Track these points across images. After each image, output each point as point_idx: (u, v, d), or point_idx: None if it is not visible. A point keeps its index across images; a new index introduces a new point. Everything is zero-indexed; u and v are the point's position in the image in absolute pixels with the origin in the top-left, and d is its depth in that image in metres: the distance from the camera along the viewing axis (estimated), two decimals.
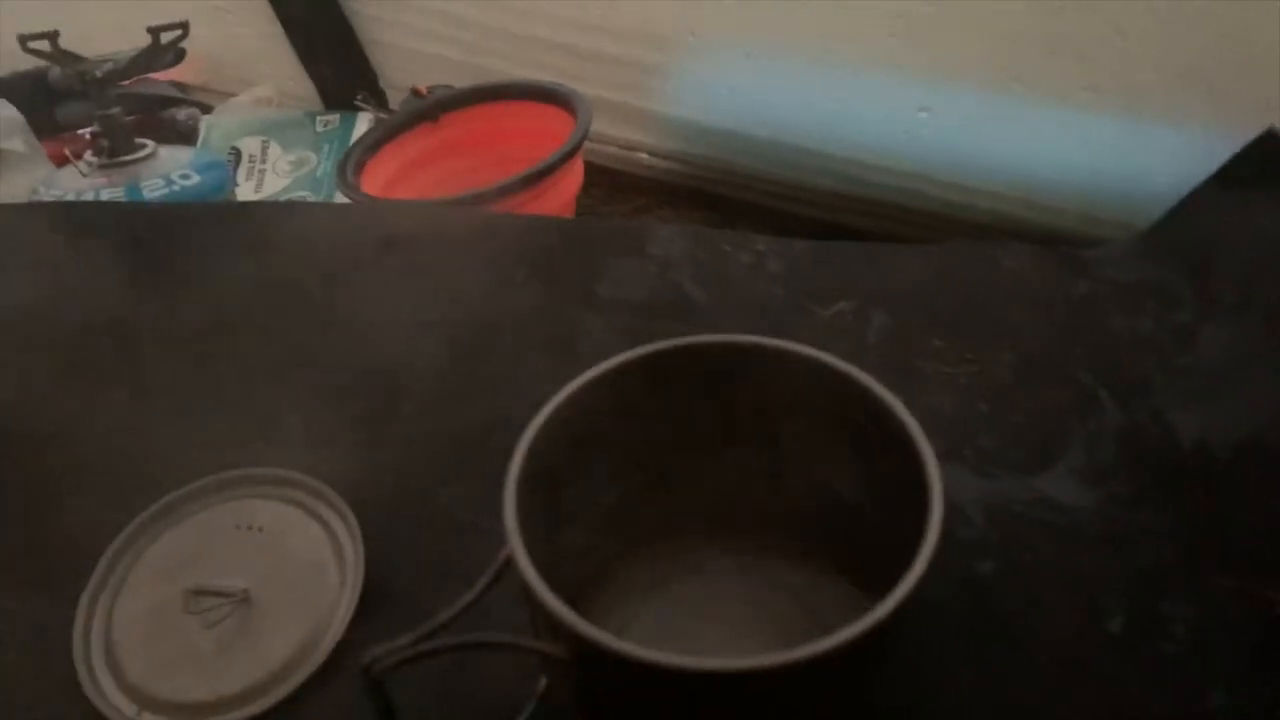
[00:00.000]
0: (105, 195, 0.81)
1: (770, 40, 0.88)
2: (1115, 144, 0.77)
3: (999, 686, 0.46)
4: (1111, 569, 0.50)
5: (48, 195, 0.82)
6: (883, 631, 0.31)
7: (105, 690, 0.53)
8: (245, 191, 1.09)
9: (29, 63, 1.25)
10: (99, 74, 0.83)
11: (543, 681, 0.43)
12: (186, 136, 1.25)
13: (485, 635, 0.34)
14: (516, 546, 0.34)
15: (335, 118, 1.25)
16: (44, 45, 0.86)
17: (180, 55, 1.16)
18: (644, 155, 1.06)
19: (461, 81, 1.10)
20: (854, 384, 0.40)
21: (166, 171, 0.85)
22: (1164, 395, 0.59)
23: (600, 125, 0.97)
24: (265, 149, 1.18)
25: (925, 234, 0.88)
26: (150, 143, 0.87)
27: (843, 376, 0.40)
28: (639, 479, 0.46)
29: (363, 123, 1.24)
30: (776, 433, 0.45)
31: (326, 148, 1.18)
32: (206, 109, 1.34)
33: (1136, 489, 0.54)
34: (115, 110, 0.85)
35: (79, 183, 0.84)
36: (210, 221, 0.75)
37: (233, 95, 1.38)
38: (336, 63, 1.28)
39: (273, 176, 1.13)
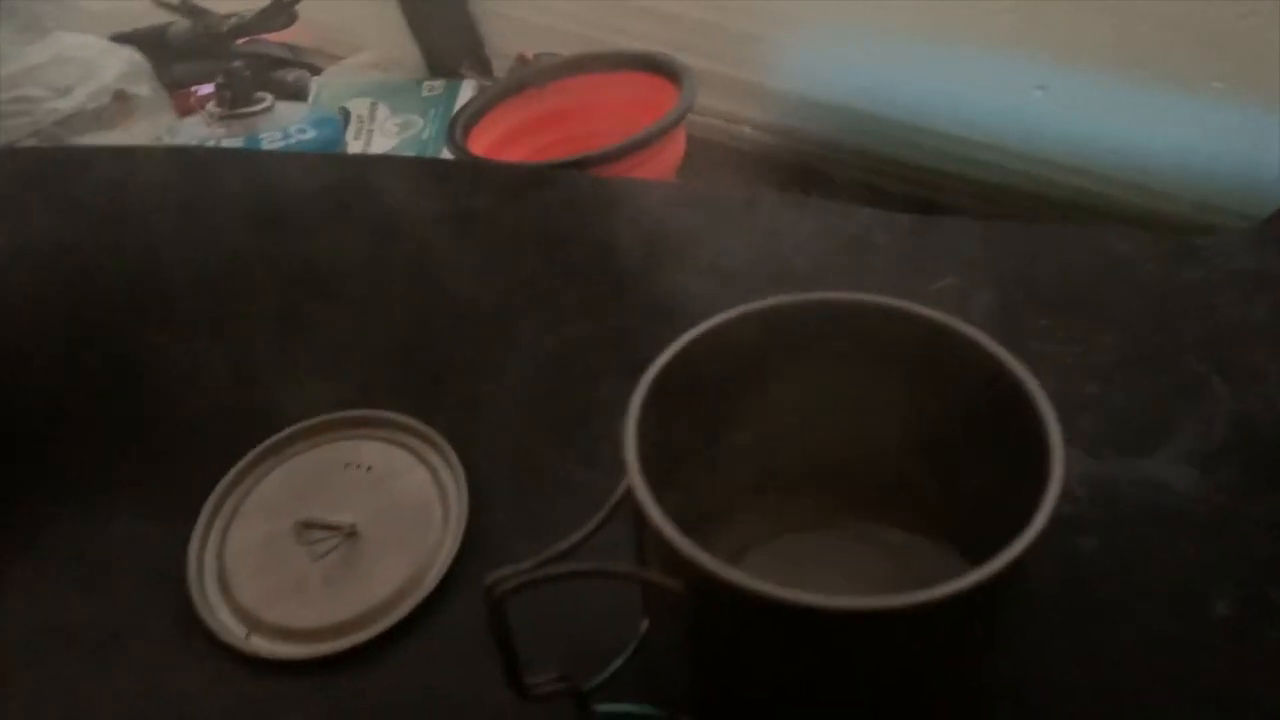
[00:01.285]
0: (226, 144, 0.85)
1: (883, 13, 0.87)
2: (1236, 130, 0.75)
3: (1098, 666, 0.46)
4: (1219, 554, 0.50)
5: (173, 142, 0.86)
6: (1001, 583, 0.31)
7: (218, 613, 0.56)
8: (354, 149, 1.12)
9: (146, 21, 1.30)
10: (225, 28, 0.86)
11: (645, 624, 0.44)
12: (295, 96, 1.28)
13: (605, 564, 0.35)
14: (635, 479, 0.35)
15: (440, 84, 1.27)
16: None
17: (293, 18, 1.20)
18: (746, 128, 1.06)
19: (568, 50, 1.11)
20: (973, 345, 0.41)
21: (284, 125, 0.87)
22: None
23: (703, 97, 0.97)
24: (373, 110, 1.20)
25: (1029, 215, 0.87)
26: (269, 96, 0.90)
27: (963, 338, 0.40)
28: (746, 431, 0.47)
29: (467, 90, 1.26)
30: (887, 392, 0.45)
31: (431, 112, 1.20)
32: (315, 71, 1.37)
33: (1248, 476, 0.53)
34: (238, 64, 0.87)
35: (202, 131, 0.87)
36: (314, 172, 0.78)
37: (340, 59, 1.42)
38: (444, 30, 1.30)
39: (380, 137, 1.15)
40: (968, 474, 0.44)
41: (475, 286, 0.70)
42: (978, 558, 0.32)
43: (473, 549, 0.57)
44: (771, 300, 0.43)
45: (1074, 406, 0.58)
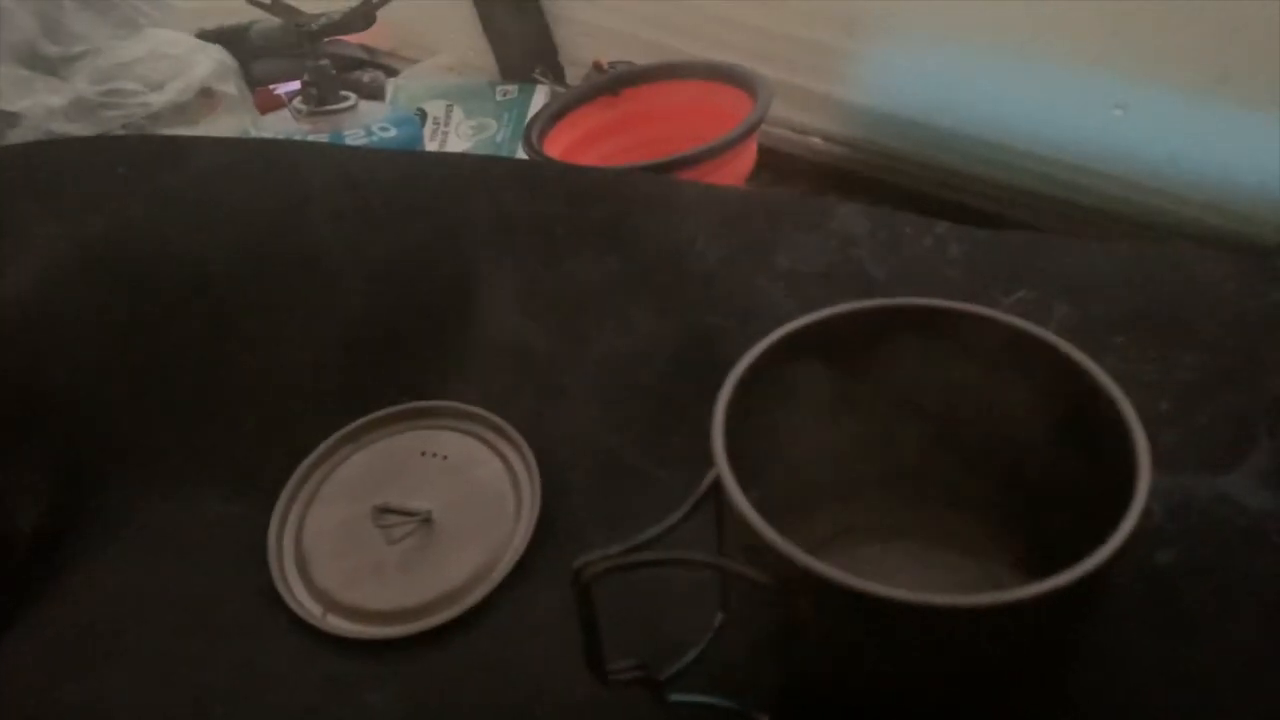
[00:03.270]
0: (311, 140, 0.87)
1: (961, 29, 0.87)
2: None
3: (1181, 679, 0.46)
4: None
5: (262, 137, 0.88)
6: (1087, 588, 0.32)
7: (296, 592, 0.58)
8: (430, 150, 1.15)
9: (229, 19, 1.33)
10: (314, 27, 0.89)
11: (720, 617, 0.45)
12: (371, 97, 1.31)
13: (691, 554, 0.35)
14: (724, 473, 0.36)
15: (514, 88, 1.29)
16: None
17: (372, 20, 1.22)
18: (817, 140, 1.06)
19: (641, 58, 1.13)
20: (1056, 353, 0.41)
21: (366, 123, 0.90)
22: None
23: (775, 107, 0.98)
24: (449, 113, 1.23)
25: (1105, 233, 0.86)
26: (353, 95, 0.92)
27: (1049, 348, 0.41)
28: (825, 434, 0.47)
29: (539, 95, 1.28)
30: (965, 400, 0.46)
31: (505, 116, 1.22)
32: (391, 72, 1.41)
33: None
34: (325, 62, 0.90)
35: (287, 127, 0.89)
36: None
37: (415, 61, 1.44)
38: (518, 36, 1.32)
39: (455, 139, 1.18)
40: (1043, 482, 0.45)
41: (551, 285, 0.71)
42: (1051, 567, 0.32)
43: (545, 539, 0.58)
44: (855, 304, 0.44)
45: (1150, 423, 0.57)
